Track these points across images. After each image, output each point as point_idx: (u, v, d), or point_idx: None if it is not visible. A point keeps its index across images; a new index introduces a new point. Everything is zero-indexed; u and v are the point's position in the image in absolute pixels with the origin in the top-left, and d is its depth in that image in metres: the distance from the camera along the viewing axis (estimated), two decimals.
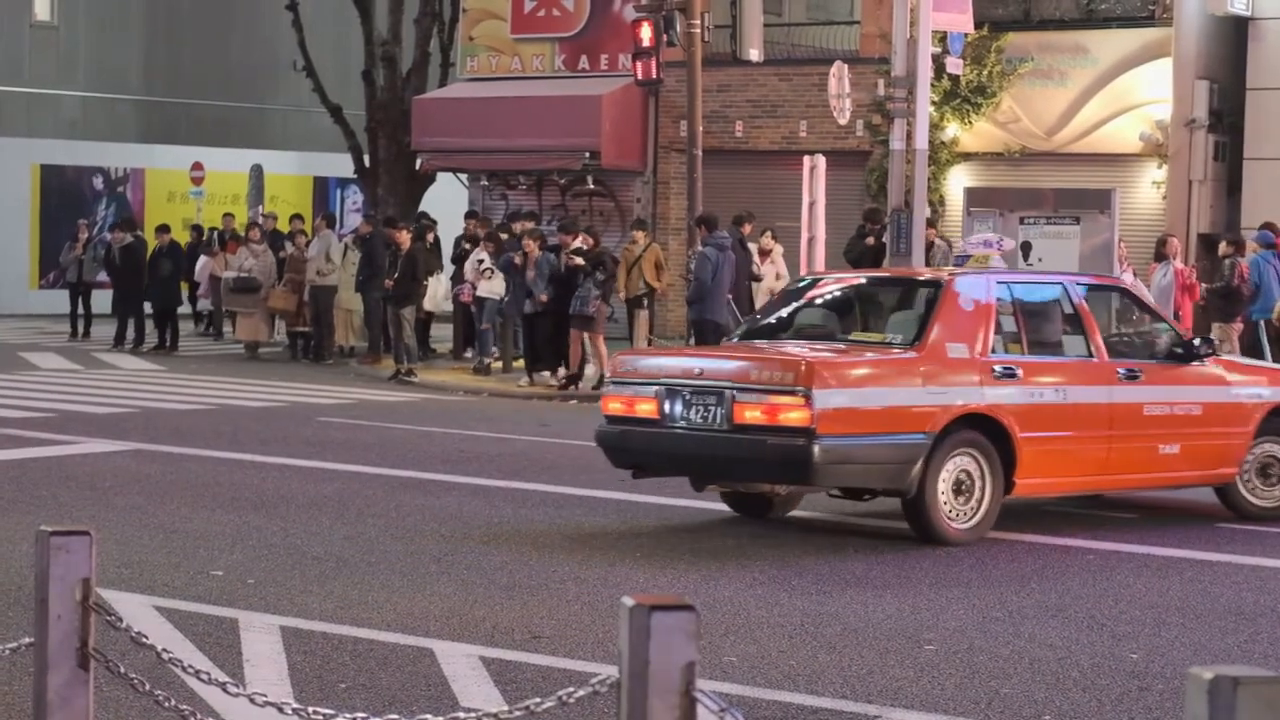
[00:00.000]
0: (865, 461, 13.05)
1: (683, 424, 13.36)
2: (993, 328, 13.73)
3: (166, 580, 11.36)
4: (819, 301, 15.09)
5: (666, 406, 13.42)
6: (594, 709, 7.97)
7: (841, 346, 13.90)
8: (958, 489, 13.31)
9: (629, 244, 27.85)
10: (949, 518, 13.26)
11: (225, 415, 21.82)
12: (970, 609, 10.97)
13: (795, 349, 13.73)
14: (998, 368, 13.56)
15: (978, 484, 13.38)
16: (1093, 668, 9.46)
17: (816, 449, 12.68)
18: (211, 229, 37.52)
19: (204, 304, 36.41)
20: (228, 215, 37.41)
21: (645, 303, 27.12)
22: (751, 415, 12.94)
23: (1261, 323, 24.42)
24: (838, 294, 15.22)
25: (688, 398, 13.33)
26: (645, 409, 13.59)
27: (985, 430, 13.41)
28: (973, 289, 13.96)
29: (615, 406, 13.94)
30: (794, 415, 12.74)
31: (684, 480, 16.45)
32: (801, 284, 15.96)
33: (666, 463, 13.88)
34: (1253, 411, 14.85)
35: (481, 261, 27.73)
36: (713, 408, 13.16)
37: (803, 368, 12.87)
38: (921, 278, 14.89)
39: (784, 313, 15.09)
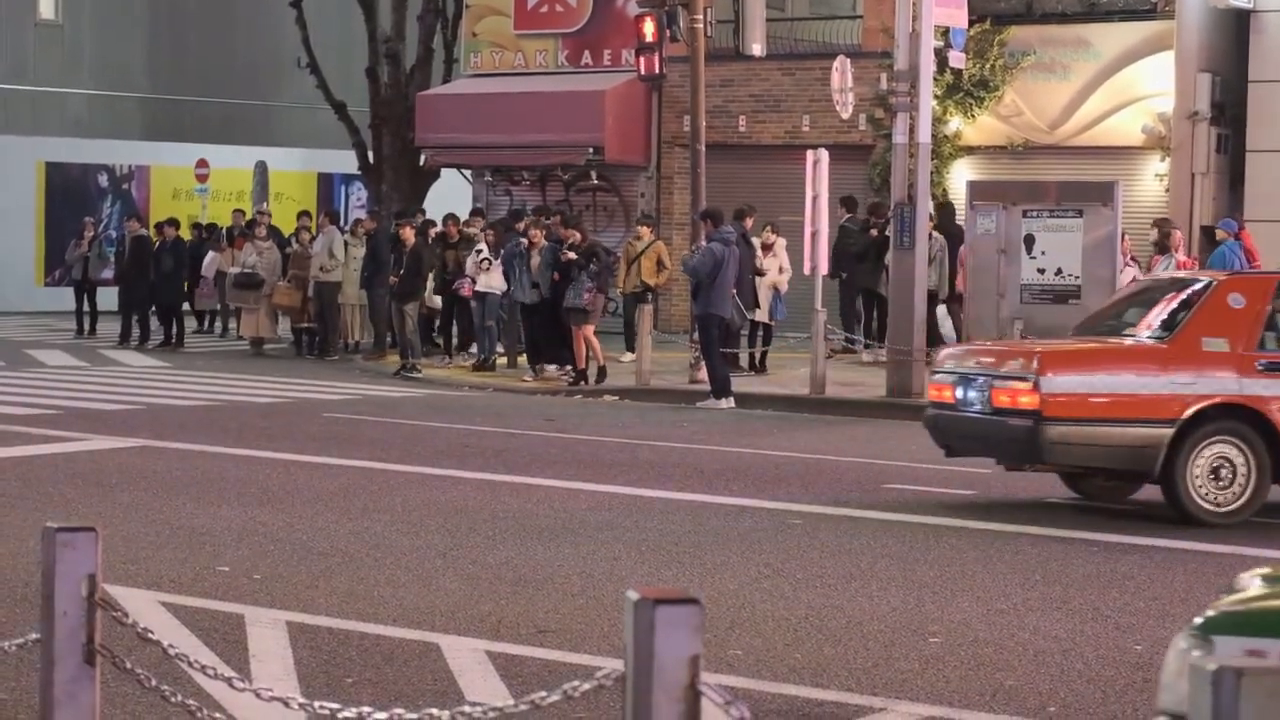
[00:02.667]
0: (1098, 444, 14.20)
1: (968, 408, 14.80)
2: (1262, 326, 14.39)
3: (172, 576, 11.38)
4: (1124, 302, 16.28)
5: (959, 392, 14.87)
6: (599, 703, 7.98)
7: (1105, 340, 15.17)
8: (1215, 474, 14.05)
9: (633, 239, 27.84)
10: (1205, 501, 14.08)
11: (230, 411, 21.84)
12: (975, 602, 10.99)
13: (1051, 342, 15.50)
14: (1262, 362, 14.22)
15: (1240, 471, 14.12)
16: (1097, 659, 9.48)
17: (1044, 431, 13.98)
18: (211, 224, 37.55)
19: (206, 302, 36.37)
20: (237, 211, 37.42)
21: (649, 297, 27.13)
22: (1001, 400, 14.38)
23: None
24: (1139, 295, 16.16)
25: (972, 385, 14.71)
26: (948, 395, 15.03)
27: (1249, 420, 14.12)
28: (1247, 289, 14.66)
29: (933, 393, 15.43)
30: (1025, 400, 14.13)
31: (691, 474, 16.53)
32: (1128, 288, 17.54)
33: (959, 442, 15.28)
34: None
35: (480, 252, 27.69)
36: (983, 393, 14.58)
37: (1033, 357, 14.30)
38: (1200, 279, 15.48)
39: (1101, 313, 16.49)
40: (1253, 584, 6.11)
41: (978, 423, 14.67)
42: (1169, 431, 13.98)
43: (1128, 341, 14.89)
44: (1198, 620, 5.69)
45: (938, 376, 15.39)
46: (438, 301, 28.98)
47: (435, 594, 10.95)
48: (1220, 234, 25.81)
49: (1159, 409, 14.05)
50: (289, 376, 26.81)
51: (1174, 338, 14.36)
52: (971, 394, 14.69)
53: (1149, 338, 14.68)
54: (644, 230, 27.78)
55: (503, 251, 27.08)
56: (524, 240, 26.51)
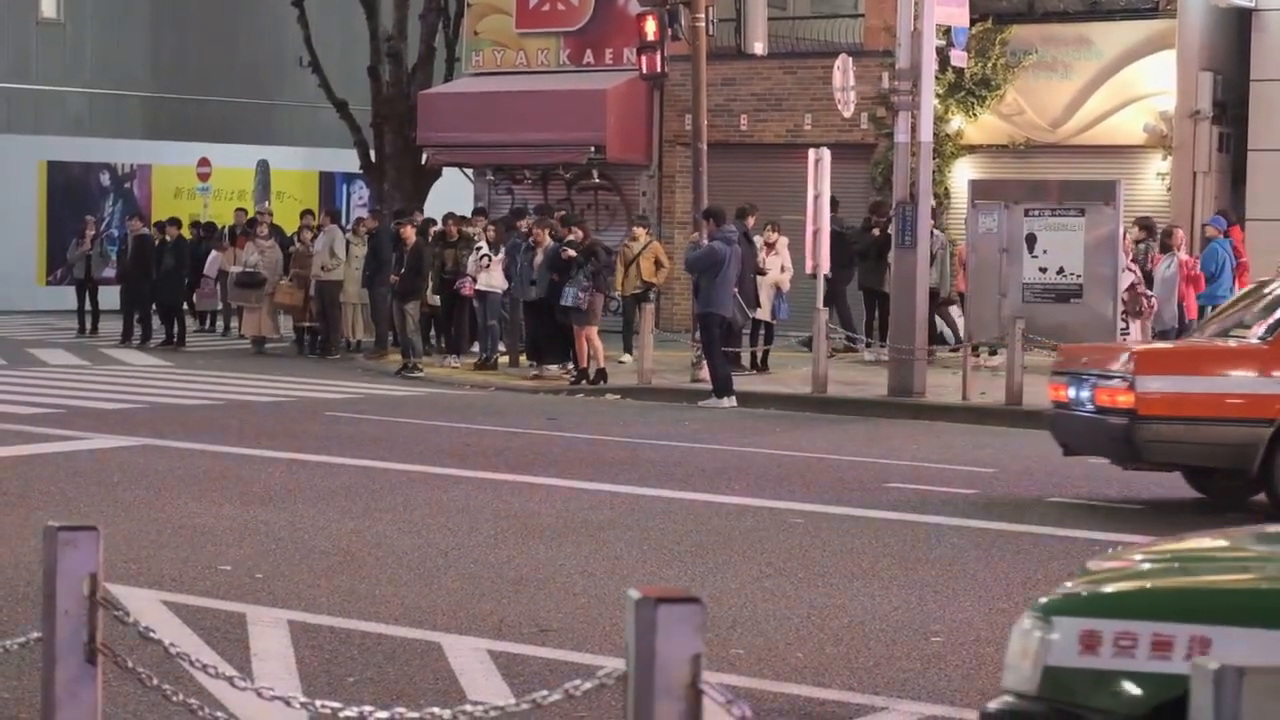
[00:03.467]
0: (1194, 442, 14.40)
1: (1079, 408, 15.05)
2: None
3: (174, 575, 11.39)
4: (1241, 303, 16.43)
5: (1071, 392, 15.13)
6: (600, 702, 7.98)
7: (1207, 340, 15.50)
8: None
9: (629, 240, 27.84)
10: None
11: (233, 410, 21.84)
12: (976, 601, 10.99)
13: (1152, 342, 15.81)
14: None
15: None
16: None
17: (1139, 429, 14.29)
18: (211, 223, 37.54)
19: (208, 302, 36.35)
20: (239, 210, 37.41)
21: (650, 297, 27.12)
22: (1102, 399, 14.69)
23: (1209, 308, 24.34)
24: (1254, 296, 16.28)
25: (1083, 385, 14.97)
26: (1062, 395, 15.31)
27: None
28: None
29: (1051, 393, 15.72)
30: (1121, 398, 14.45)
31: (693, 473, 16.53)
32: (1244, 290, 17.76)
33: (1073, 440, 15.47)
34: None
35: (480, 249, 27.67)
36: (1090, 393, 14.84)
37: (1130, 357, 14.65)
38: None
39: (1221, 314, 16.69)
40: (1099, 566, 6.27)
41: (1087, 422, 14.92)
42: (1267, 430, 14.09)
43: (1231, 343, 15.03)
44: (1040, 601, 5.91)
45: (1055, 377, 15.65)
46: (437, 300, 28.98)
47: (437, 593, 10.95)
48: (1210, 231, 25.84)
49: (1257, 408, 14.18)
50: (291, 375, 26.81)
51: (1275, 338, 14.44)
52: (1082, 394, 14.93)
53: (1252, 339, 14.78)
54: (639, 231, 27.76)
55: (504, 246, 27.08)
56: (528, 236, 26.51)
